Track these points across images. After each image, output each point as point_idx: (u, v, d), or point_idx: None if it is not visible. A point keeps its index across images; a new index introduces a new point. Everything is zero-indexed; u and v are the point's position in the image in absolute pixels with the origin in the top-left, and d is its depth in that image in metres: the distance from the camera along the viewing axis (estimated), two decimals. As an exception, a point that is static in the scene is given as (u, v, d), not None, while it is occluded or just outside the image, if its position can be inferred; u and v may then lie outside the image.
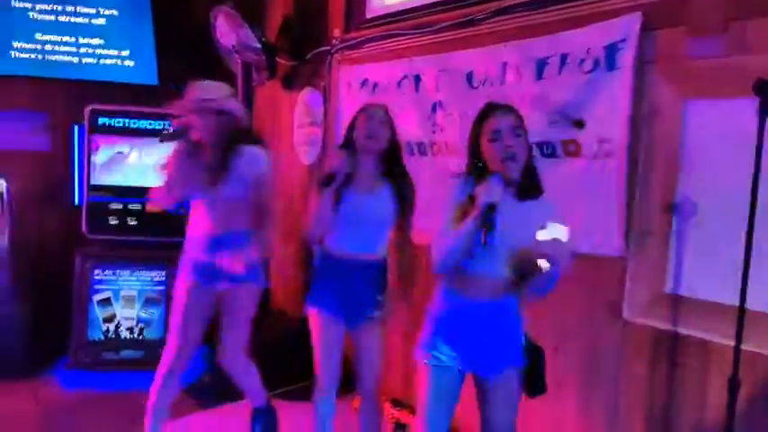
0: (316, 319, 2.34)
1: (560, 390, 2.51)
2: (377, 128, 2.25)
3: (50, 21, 3.90)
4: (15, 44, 3.86)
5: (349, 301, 2.30)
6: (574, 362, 2.47)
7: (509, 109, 1.86)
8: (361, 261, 2.29)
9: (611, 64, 2.26)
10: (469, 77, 2.76)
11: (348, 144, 2.29)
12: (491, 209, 1.71)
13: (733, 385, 1.77)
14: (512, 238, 1.79)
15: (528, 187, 1.86)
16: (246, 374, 2.71)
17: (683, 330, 2.13)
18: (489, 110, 1.85)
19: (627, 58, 2.20)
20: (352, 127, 2.30)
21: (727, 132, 2.01)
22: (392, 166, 2.32)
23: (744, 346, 1.76)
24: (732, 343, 1.77)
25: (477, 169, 1.84)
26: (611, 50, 2.25)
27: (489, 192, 1.72)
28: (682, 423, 2.14)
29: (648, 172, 2.22)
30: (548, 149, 2.47)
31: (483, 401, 1.93)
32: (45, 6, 3.86)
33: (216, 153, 2.46)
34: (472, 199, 1.77)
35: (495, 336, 1.87)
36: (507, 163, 1.78)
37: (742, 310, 1.73)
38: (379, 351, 2.36)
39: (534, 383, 1.94)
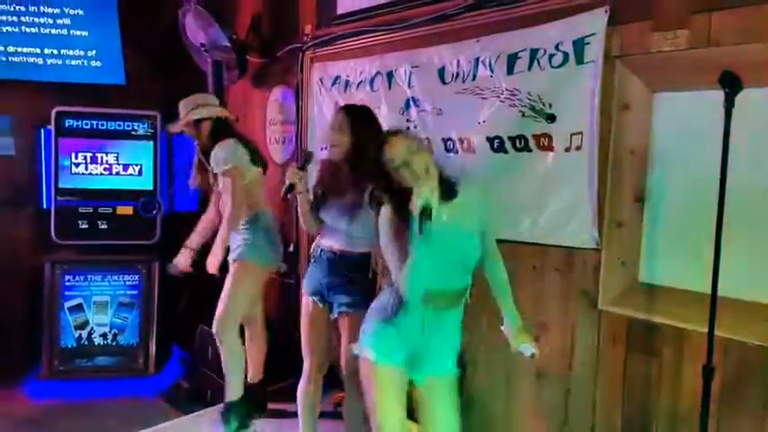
0: (304, 304, 2.47)
1: (540, 379, 2.55)
2: (335, 137, 2.30)
3: (13, 21, 3.78)
4: (-24, 46, 3.74)
5: (332, 290, 2.37)
6: (552, 352, 2.49)
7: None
8: (346, 255, 2.34)
9: (579, 58, 2.28)
10: (441, 73, 2.76)
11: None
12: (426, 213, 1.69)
13: (707, 372, 1.80)
14: (455, 245, 1.84)
15: (447, 191, 1.86)
16: None
17: (657, 319, 2.16)
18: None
19: (595, 52, 2.23)
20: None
21: (695, 124, 2.05)
22: (362, 165, 2.32)
23: (717, 333, 1.80)
24: (705, 330, 1.80)
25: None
26: (580, 45, 2.27)
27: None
28: (659, 410, 2.18)
29: (619, 164, 2.25)
30: (520, 143, 2.49)
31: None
32: (6, 7, 3.75)
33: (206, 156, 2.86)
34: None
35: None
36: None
37: (714, 296, 1.77)
38: (347, 338, 2.38)
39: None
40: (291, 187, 2.30)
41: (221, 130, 2.88)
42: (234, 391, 2.93)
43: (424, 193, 1.68)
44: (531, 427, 2.60)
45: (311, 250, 2.53)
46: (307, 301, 2.47)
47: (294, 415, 2.61)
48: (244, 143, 2.86)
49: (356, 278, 2.32)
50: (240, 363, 2.94)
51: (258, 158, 2.91)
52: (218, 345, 2.89)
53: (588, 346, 2.38)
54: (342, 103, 2.97)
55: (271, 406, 3.21)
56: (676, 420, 2.13)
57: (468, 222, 1.88)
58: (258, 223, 2.88)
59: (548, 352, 2.51)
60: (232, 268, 2.88)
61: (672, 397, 2.14)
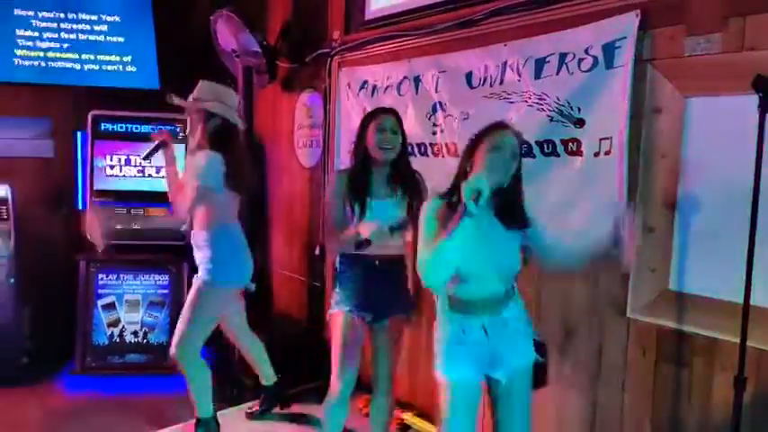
0: (339, 321, 2.32)
1: (566, 389, 2.51)
2: (389, 138, 2.27)
3: (53, 27, 3.91)
4: (18, 51, 3.88)
5: (373, 300, 2.30)
6: (579, 361, 2.46)
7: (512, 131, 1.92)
8: (382, 259, 2.28)
9: (609, 62, 2.25)
10: (469, 78, 2.76)
11: (359, 152, 2.32)
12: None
13: (739, 383, 1.76)
14: (500, 265, 1.86)
15: (511, 213, 1.88)
16: None
17: (688, 328, 2.12)
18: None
19: (626, 56, 2.20)
20: (362, 135, 2.32)
21: (728, 129, 2.00)
22: (403, 170, 2.35)
23: (750, 343, 1.76)
24: (737, 340, 1.76)
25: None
26: (610, 49, 2.24)
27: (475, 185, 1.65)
28: (689, 422, 2.13)
29: (650, 169, 2.21)
30: (548, 148, 2.47)
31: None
32: (47, 14, 3.88)
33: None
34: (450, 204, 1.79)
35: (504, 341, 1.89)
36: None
37: (747, 306, 1.72)
38: (397, 349, 2.39)
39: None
40: (366, 242, 2.13)
41: (225, 134, 2.67)
42: (203, 410, 2.86)
43: (478, 177, 1.66)
44: (556, 435, 2.57)
45: (337, 260, 2.40)
46: (348, 320, 2.30)
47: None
48: (234, 163, 2.65)
49: (400, 281, 2.34)
50: (206, 382, 2.83)
51: (238, 183, 2.69)
52: (179, 368, 2.77)
53: (616, 355, 2.34)
54: (369, 109, 2.98)
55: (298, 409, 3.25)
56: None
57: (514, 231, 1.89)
58: (224, 239, 2.72)
59: (574, 361, 2.48)
60: (194, 287, 2.74)
61: (703, 408, 2.08)
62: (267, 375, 3.20)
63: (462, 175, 1.84)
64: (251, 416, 3.20)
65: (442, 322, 1.92)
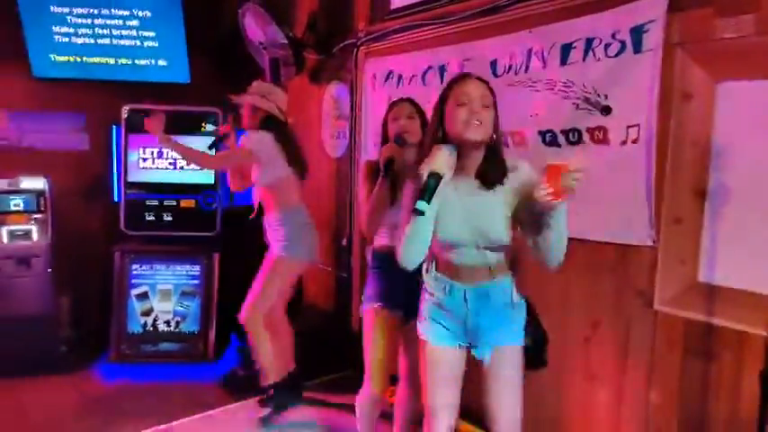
0: (373, 316, 2.28)
1: (592, 380, 2.47)
2: (407, 124, 2.25)
3: (87, 24, 4.01)
4: (55, 48, 3.99)
5: (410, 294, 2.20)
6: (605, 352, 2.41)
7: (482, 80, 1.77)
8: None
9: (637, 47, 2.19)
10: (494, 66, 2.72)
11: (386, 141, 2.29)
12: (433, 178, 1.61)
13: (765, 377, 1.70)
14: (479, 228, 1.76)
15: (491, 172, 1.75)
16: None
17: (716, 321, 2.05)
18: (461, 77, 1.78)
19: (654, 40, 2.13)
20: (384, 124, 2.32)
21: (761, 115, 1.92)
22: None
23: (779, 337, 1.69)
24: (766, 333, 1.70)
25: (436, 139, 1.75)
26: (638, 33, 2.18)
27: (433, 159, 1.64)
28: (716, 415, 2.07)
29: (679, 157, 2.14)
30: (573, 136, 2.42)
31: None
32: (82, 10, 3.98)
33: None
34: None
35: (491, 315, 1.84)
36: (471, 126, 1.67)
37: (776, 298, 1.66)
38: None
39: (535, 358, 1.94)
40: (390, 162, 2.11)
41: (271, 125, 3.00)
42: (273, 375, 3.09)
43: (442, 161, 1.64)
44: (581, 430, 2.52)
45: (370, 256, 2.38)
46: (379, 315, 2.26)
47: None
48: (285, 142, 2.99)
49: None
50: (269, 347, 3.06)
51: (296, 161, 3.03)
52: (246, 332, 3.03)
53: (643, 347, 2.28)
54: (394, 98, 2.97)
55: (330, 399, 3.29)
56: (735, 427, 2.01)
57: (498, 201, 1.77)
58: (293, 220, 3.00)
59: (601, 353, 2.43)
60: (269, 261, 3.02)
61: (731, 403, 2.02)
62: (283, 365, 3.22)
63: (432, 139, 1.76)
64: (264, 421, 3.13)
65: (428, 281, 1.90)
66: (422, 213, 1.62)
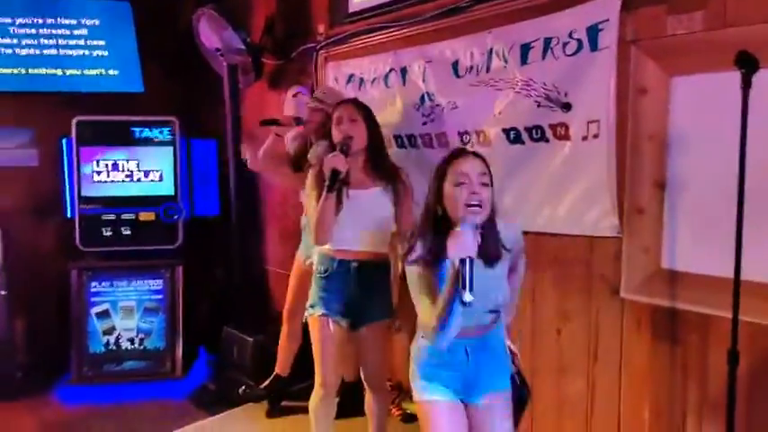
0: (316, 323, 2.32)
1: (564, 371, 2.53)
2: (349, 128, 2.26)
3: (32, 34, 3.86)
4: (-2, 60, 3.83)
5: (353, 304, 2.28)
6: (576, 343, 2.48)
7: (478, 156, 1.77)
8: (363, 261, 2.27)
9: (594, 45, 2.26)
10: (455, 66, 2.76)
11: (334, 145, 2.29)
12: (470, 264, 1.58)
13: (732, 357, 1.78)
14: (488, 297, 1.75)
15: (493, 252, 1.75)
16: None
17: (681, 306, 2.14)
18: (458, 153, 1.78)
19: (609, 38, 2.20)
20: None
21: (713, 106, 2.02)
22: (378, 160, 2.33)
23: (742, 317, 1.77)
24: (730, 315, 1.78)
25: (436, 219, 1.74)
26: (594, 31, 2.25)
27: (462, 245, 1.59)
28: (686, 398, 2.15)
29: (638, 150, 2.22)
30: (536, 134, 2.48)
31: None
32: (25, 20, 3.82)
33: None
34: (433, 253, 1.70)
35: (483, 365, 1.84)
36: (473, 210, 1.66)
37: (737, 281, 1.74)
38: (382, 351, 2.36)
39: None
40: (336, 174, 2.11)
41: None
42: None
43: (469, 243, 1.61)
44: (555, 421, 2.58)
45: (314, 264, 2.38)
46: (327, 325, 2.30)
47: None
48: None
49: (381, 283, 2.20)
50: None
51: None
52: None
53: (612, 335, 2.36)
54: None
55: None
56: (705, 408, 2.10)
57: (502, 272, 1.81)
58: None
59: (571, 343, 2.49)
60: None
61: (699, 384, 2.11)
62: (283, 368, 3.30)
63: (431, 217, 1.75)
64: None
65: (421, 349, 1.84)
66: (470, 305, 1.58)
